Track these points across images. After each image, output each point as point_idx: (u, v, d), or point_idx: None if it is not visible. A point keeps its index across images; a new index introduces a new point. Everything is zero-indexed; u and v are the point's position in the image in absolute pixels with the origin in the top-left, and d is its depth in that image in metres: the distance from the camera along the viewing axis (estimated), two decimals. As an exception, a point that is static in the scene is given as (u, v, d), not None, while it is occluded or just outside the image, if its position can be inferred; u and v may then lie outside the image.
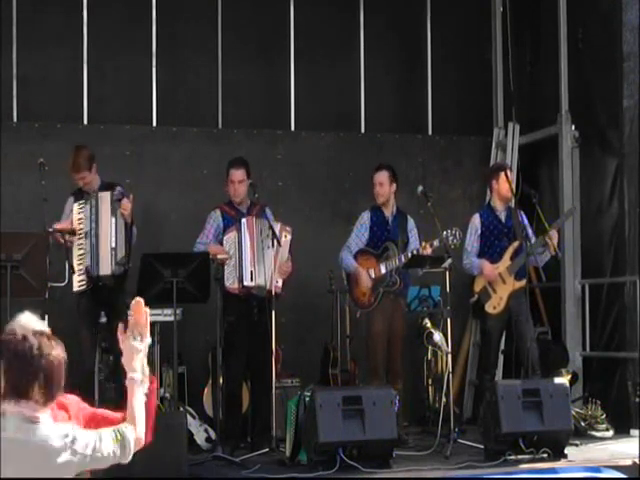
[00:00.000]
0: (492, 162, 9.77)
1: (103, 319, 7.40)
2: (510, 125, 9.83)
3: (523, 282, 7.90)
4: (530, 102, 9.81)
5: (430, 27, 9.99)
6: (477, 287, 7.96)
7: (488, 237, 8.03)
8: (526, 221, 8.04)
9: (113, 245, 7.22)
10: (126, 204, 7.31)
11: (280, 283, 7.56)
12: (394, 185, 7.99)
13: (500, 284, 7.88)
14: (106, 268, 7.22)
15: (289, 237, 7.65)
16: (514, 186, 8.55)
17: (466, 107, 10.06)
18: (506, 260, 7.90)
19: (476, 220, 8.09)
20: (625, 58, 8.44)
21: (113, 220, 7.27)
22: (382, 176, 7.95)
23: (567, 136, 9.07)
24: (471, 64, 10.13)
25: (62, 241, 7.22)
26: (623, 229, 8.46)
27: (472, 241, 8.02)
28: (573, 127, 9.07)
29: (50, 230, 6.99)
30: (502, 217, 8.06)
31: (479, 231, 8.05)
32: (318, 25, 9.73)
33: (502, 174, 8.01)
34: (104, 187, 7.48)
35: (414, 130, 9.96)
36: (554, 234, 7.81)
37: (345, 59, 9.81)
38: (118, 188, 7.46)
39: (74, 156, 7.49)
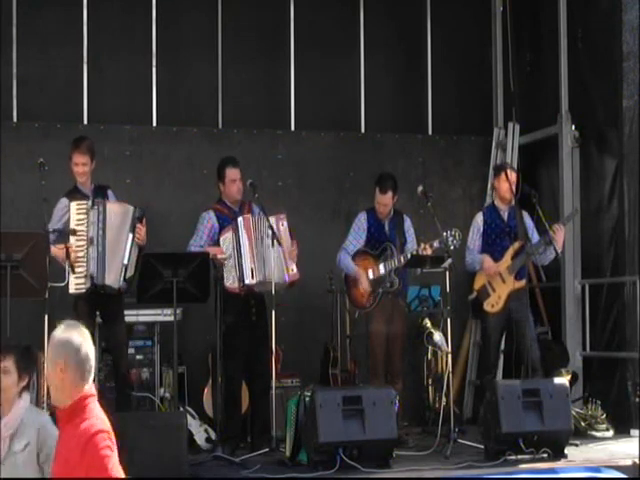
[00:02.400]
0: (492, 162, 9.79)
1: (99, 320, 7.39)
2: (510, 125, 9.83)
3: (523, 282, 7.90)
4: (530, 102, 9.81)
5: (430, 27, 10.00)
6: (477, 285, 7.98)
7: (490, 235, 8.05)
8: (530, 222, 8.04)
9: (125, 262, 7.09)
10: (140, 228, 7.21)
11: (295, 268, 7.53)
12: (395, 197, 8.00)
13: (499, 283, 7.89)
14: (114, 281, 7.11)
15: (285, 224, 7.59)
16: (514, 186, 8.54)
17: (466, 107, 10.06)
18: (507, 260, 7.91)
19: (479, 218, 8.12)
20: (625, 58, 8.44)
21: (130, 236, 7.15)
22: (387, 199, 7.90)
23: (567, 136, 9.07)
24: (471, 64, 10.13)
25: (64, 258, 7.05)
26: (623, 229, 8.46)
27: (474, 239, 8.04)
28: (573, 127, 9.07)
29: (50, 231, 6.95)
30: (505, 216, 8.06)
31: (481, 229, 8.06)
32: (318, 25, 9.73)
33: (502, 174, 8.03)
34: (97, 189, 7.44)
35: (414, 130, 9.96)
36: (559, 228, 7.79)
37: (345, 59, 9.81)
38: (138, 208, 7.27)
39: (78, 139, 7.38)
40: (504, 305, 7.87)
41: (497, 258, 7.94)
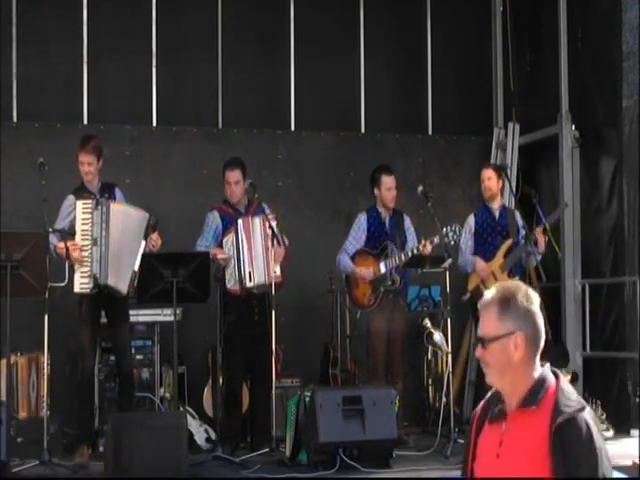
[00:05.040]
0: (492, 162, 9.79)
1: (103, 319, 7.40)
2: (510, 125, 9.84)
3: (516, 279, 7.87)
4: (530, 102, 9.81)
5: (430, 27, 10.00)
6: (470, 285, 8.00)
7: (481, 235, 8.07)
8: (521, 222, 8.04)
9: (136, 269, 7.04)
10: (157, 238, 7.18)
11: (278, 271, 7.51)
12: None
13: (492, 281, 7.88)
14: (123, 286, 7.06)
15: (274, 222, 7.55)
16: (514, 185, 8.55)
17: (466, 107, 10.06)
18: (499, 258, 7.93)
19: (470, 220, 8.14)
20: (625, 58, 8.45)
21: (143, 244, 7.11)
22: (393, 180, 7.99)
23: (567, 136, 9.07)
24: (471, 64, 10.14)
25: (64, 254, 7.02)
26: (623, 229, 8.46)
27: (466, 240, 8.05)
28: (573, 127, 9.07)
29: (50, 230, 6.95)
30: (496, 215, 8.08)
31: (473, 230, 8.09)
32: (318, 25, 9.73)
33: (481, 173, 8.09)
34: (104, 187, 7.44)
35: (414, 130, 9.96)
36: (538, 232, 7.79)
37: (345, 59, 9.81)
38: (152, 217, 7.22)
39: (84, 139, 7.31)
40: (497, 303, 7.85)
41: (489, 257, 7.95)
